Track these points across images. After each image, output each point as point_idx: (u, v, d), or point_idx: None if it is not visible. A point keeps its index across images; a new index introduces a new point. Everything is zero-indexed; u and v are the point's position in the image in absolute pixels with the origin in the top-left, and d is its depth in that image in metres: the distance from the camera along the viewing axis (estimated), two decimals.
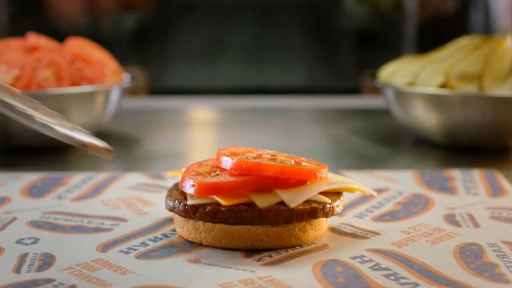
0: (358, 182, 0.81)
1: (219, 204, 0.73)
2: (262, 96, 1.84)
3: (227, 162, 0.76)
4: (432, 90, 1.17)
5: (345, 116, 1.55)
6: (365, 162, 1.17)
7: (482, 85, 1.16)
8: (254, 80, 2.11)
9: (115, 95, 1.22)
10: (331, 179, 0.79)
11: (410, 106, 1.19)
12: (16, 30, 1.77)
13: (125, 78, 1.31)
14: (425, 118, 1.18)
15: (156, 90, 1.94)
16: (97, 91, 1.18)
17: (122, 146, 1.30)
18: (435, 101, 1.16)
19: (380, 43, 2.15)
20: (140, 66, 1.99)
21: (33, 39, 1.25)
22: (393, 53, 1.89)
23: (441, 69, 1.19)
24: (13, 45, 1.23)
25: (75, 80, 1.18)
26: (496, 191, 0.94)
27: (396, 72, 1.26)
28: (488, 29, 2.08)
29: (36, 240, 0.76)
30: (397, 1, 2.14)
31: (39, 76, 1.15)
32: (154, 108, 1.67)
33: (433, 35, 2.11)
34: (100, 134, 1.30)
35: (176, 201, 0.76)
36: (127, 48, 2.11)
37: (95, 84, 1.19)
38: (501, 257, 0.71)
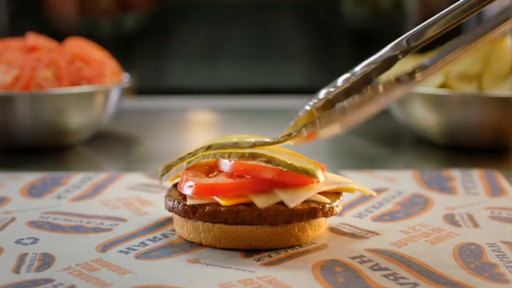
0: (357, 182, 0.81)
1: (218, 204, 0.73)
2: (261, 96, 1.84)
3: (225, 164, 0.76)
4: (431, 90, 1.17)
5: None
6: (365, 162, 1.17)
7: (482, 85, 1.16)
8: (253, 80, 2.11)
9: (114, 95, 1.22)
10: (330, 179, 0.79)
11: (409, 106, 1.19)
12: (16, 30, 1.77)
13: (125, 78, 1.31)
14: (425, 118, 1.18)
15: (155, 90, 1.94)
16: (96, 91, 1.18)
17: (122, 146, 1.30)
18: (435, 101, 1.16)
19: (379, 43, 2.15)
20: (139, 66, 1.99)
21: (33, 39, 1.24)
22: None
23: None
24: (13, 45, 1.23)
25: (74, 80, 1.18)
26: (496, 191, 0.94)
27: (396, 72, 1.26)
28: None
29: (35, 240, 0.76)
30: (396, 1, 2.14)
31: (39, 76, 1.15)
32: (154, 108, 1.66)
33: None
34: (99, 134, 1.30)
35: (176, 202, 0.75)
36: (126, 48, 2.11)
37: (94, 84, 1.19)
38: (500, 257, 0.71)
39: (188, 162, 0.79)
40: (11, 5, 2.15)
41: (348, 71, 0.75)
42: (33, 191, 0.94)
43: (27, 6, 2.18)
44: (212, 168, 0.78)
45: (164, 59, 2.13)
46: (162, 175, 0.82)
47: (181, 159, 0.80)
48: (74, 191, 0.94)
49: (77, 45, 1.26)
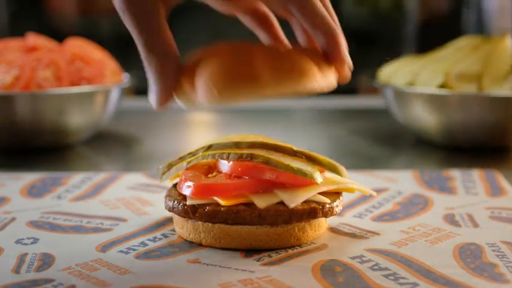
0: (357, 182, 0.81)
1: (218, 204, 0.73)
2: None
3: (224, 165, 0.76)
4: (432, 90, 1.17)
5: (345, 116, 1.55)
6: (365, 162, 1.17)
7: (482, 85, 1.16)
8: None
9: (114, 95, 1.22)
10: (330, 179, 0.79)
11: (409, 106, 1.19)
12: (16, 30, 1.77)
13: (125, 78, 1.31)
14: (425, 118, 1.18)
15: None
16: (96, 91, 1.18)
17: (122, 146, 1.30)
18: (435, 101, 1.16)
19: (378, 43, 2.15)
20: (139, 67, 1.99)
21: (33, 39, 1.25)
22: (392, 53, 1.89)
23: (441, 69, 1.19)
24: (13, 45, 1.23)
25: (74, 80, 1.18)
26: (495, 191, 0.94)
27: (396, 73, 1.26)
28: (483, 29, 2.08)
29: (35, 240, 0.76)
30: (396, 1, 2.14)
31: (39, 76, 1.15)
32: (153, 108, 1.66)
33: (431, 35, 2.11)
34: (99, 134, 1.30)
35: (176, 202, 0.75)
36: (126, 48, 2.11)
37: (94, 84, 1.19)
38: (500, 256, 0.71)
39: (188, 162, 0.79)
40: (11, 5, 2.15)
41: None
42: (33, 191, 0.94)
43: (27, 6, 2.18)
44: (211, 169, 0.78)
45: None
46: (163, 173, 0.82)
47: (182, 158, 0.80)
48: (74, 191, 0.94)
49: (77, 45, 1.26)
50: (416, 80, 1.21)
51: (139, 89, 1.88)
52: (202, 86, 0.68)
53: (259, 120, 1.52)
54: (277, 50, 0.72)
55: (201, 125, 1.56)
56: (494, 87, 1.16)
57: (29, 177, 1.00)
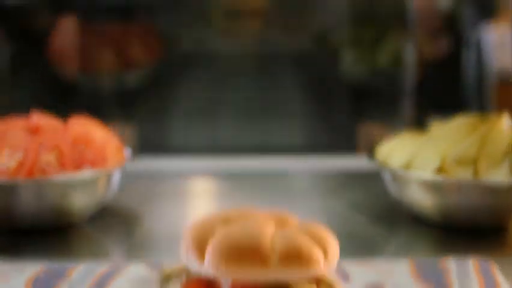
0: (352, 274, 0.82)
1: None
2: (261, 153, 1.85)
3: (225, 284, 0.77)
4: (427, 176, 1.18)
5: (344, 184, 1.56)
6: (361, 242, 1.18)
7: (477, 169, 1.17)
8: (253, 139, 2.13)
9: (116, 176, 1.24)
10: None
11: (406, 189, 1.21)
12: (17, 80, 1.79)
13: (127, 154, 1.32)
14: (422, 201, 1.20)
15: (153, 149, 1.96)
16: (99, 176, 1.20)
17: (123, 224, 1.30)
18: (431, 186, 1.18)
19: (378, 100, 2.17)
20: (137, 124, 2.01)
21: (36, 118, 1.26)
22: (392, 109, 1.92)
23: (438, 152, 1.20)
24: (16, 126, 1.24)
25: (77, 163, 1.19)
26: (489, 285, 0.95)
27: (393, 152, 1.27)
28: (482, 69, 2.11)
29: None
30: (395, 58, 2.16)
31: (42, 160, 1.17)
32: (155, 171, 1.67)
33: (431, 81, 2.13)
34: (102, 210, 1.31)
35: None
36: (125, 105, 2.13)
37: (97, 166, 1.21)
38: None
39: (188, 275, 0.80)
40: (12, 55, 2.17)
41: None
42: (37, 285, 0.95)
43: (29, 59, 2.20)
44: (212, 284, 0.79)
45: (165, 118, 2.15)
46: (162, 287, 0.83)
47: (183, 269, 0.82)
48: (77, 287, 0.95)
49: (80, 125, 1.27)
50: (412, 162, 1.22)
51: (140, 146, 1.90)
52: (209, 256, 0.72)
53: (258, 185, 1.54)
54: (287, 232, 0.75)
55: (200, 195, 1.57)
56: (489, 171, 1.17)
57: (32, 269, 1.01)
